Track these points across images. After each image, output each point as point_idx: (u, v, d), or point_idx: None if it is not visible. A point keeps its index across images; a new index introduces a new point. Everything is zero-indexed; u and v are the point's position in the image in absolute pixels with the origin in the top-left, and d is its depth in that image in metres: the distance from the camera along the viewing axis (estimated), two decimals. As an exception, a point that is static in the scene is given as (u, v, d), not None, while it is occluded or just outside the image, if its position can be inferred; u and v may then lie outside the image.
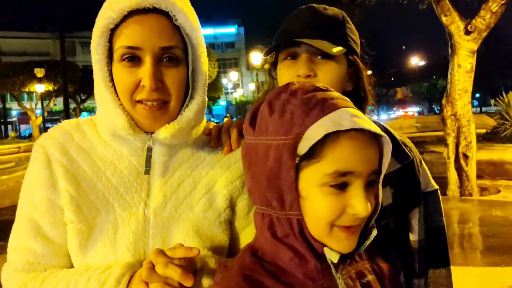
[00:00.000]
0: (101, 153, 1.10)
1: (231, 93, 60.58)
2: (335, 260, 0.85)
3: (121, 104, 1.03)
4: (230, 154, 1.14)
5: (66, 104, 22.34)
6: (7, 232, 1.11)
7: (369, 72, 1.32)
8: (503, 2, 7.37)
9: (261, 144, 0.87)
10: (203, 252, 1.04)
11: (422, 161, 1.28)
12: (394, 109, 69.29)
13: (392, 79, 47.81)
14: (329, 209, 0.83)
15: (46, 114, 31.43)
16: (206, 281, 1.00)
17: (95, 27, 1.02)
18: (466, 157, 7.84)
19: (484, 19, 7.50)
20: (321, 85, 0.92)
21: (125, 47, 1.01)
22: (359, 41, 1.29)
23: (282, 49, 1.25)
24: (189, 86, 1.08)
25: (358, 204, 0.82)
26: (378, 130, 0.84)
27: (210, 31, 62.24)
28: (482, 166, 8.70)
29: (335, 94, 0.89)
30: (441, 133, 8.69)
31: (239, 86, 59.90)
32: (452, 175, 7.95)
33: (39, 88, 28.17)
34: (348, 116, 0.83)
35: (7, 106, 43.80)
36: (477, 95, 53.43)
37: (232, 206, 1.13)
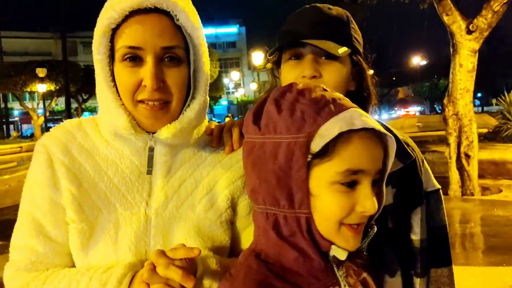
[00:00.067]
0: (103, 153, 1.10)
1: (233, 92, 60.64)
2: (343, 258, 0.87)
3: (123, 104, 1.03)
4: (232, 154, 1.14)
5: (67, 104, 22.39)
6: (9, 232, 1.11)
7: (371, 71, 1.32)
8: (505, 1, 7.34)
9: (269, 142, 0.87)
10: (204, 252, 1.04)
11: (424, 160, 1.28)
12: (396, 108, 69.27)
13: (394, 78, 47.73)
14: (339, 206, 0.84)
15: (48, 114, 31.45)
16: (207, 282, 1.00)
17: (97, 27, 1.02)
18: (467, 156, 7.83)
19: (486, 19, 7.49)
20: (323, 86, 0.93)
21: (126, 47, 1.01)
22: (362, 40, 1.29)
23: (286, 49, 1.24)
24: (190, 86, 1.08)
25: (367, 202, 0.84)
26: (384, 130, 0.86)
27: (211, 30, 62.25)
28: (484, 165, 8.69)
29: (339, 95, 0.91)
30: (442, 132, 8.67)
31: (240, 85, 59.97)
32: (454, 175, 7.94)
33: (41, 88, 28.22)
34: (358, 115, 0.85)
35: (9, 106, 43.86)
36: (479, 94, 53.40)
37: (233, 206, 1.13)
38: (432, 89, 53.59)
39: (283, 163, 0.85)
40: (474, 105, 8.62)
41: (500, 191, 8.22)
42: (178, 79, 1.04)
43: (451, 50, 7.90)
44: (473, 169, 7.86)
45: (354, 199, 0.85)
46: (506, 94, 11.73)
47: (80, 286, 1.00)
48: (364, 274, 0.94)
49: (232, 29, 66.09)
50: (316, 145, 0.83)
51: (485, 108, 44.70)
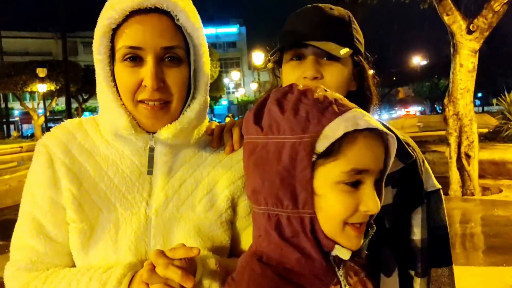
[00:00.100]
0: (103, 153, 1.10)
1: (233, 92, 60.65)
2: (347, 257, 0.87)
3: (123, 104, 1.03)
4: (232, 154, 1.14)
5: (68, 103, 22.42)
6: (10, 232, 1.11)
7: (371, 71, 1.32)
8: (506, 1, 7.34)
9: (272, 142, 0.87)
10: (204, 253, 1.04)
11: (425, 160, 1.28)
12: (396, 108, 69.25)
13: (394, 78, 47.71)
14: (344, 206, 0.84)
15: (48, 113, 31.46)
16: (206, 282, 1.00)
17: (97, 27, 1.02)
18: (468, 156, 7.83)
19: (486, 19, 7.48)
20: (323, 87, 0.93)
21: (127, 47, 1.01)
22: (363, 40, 1.29)
23: (288, 49, 1.24)
24: (191, 86, 1.08)
25: (370, 201, 0.85)
26: (386, 130, 0.87)
27: (212, 30, 62.26)
28: (484, 165, 8.69)
29: (339, 95, 0.91)
30: (443, 132, 8.67)
31: (240, 85, 59.98)
32: (454, 175, 7.94)
33: (41, 87, 28.21)
34: (361, 116, 0.85)
35: (9, 105, 43.86)
36: (479, 94, 53.31)
37: (233, 206, 1.13)
38: (433, 89, 53.55)
39: (287, 163, 0.85)
40: (475, 105, 8.62)
41: (501, 191, 8.22)
42: (178, 79, 1.04)
43: (452, 50, 7.90)
44: (473, 169, 7.86)
45: (358, 198, 0.85)
46: (506, 94, 11.73)
47: (80, 286, 1.00)
48: (363, 274, 0.95)
49: (233, 29, 66.10)
50: (321, 145, 0.83)
51: (486, 108, 44.68)
